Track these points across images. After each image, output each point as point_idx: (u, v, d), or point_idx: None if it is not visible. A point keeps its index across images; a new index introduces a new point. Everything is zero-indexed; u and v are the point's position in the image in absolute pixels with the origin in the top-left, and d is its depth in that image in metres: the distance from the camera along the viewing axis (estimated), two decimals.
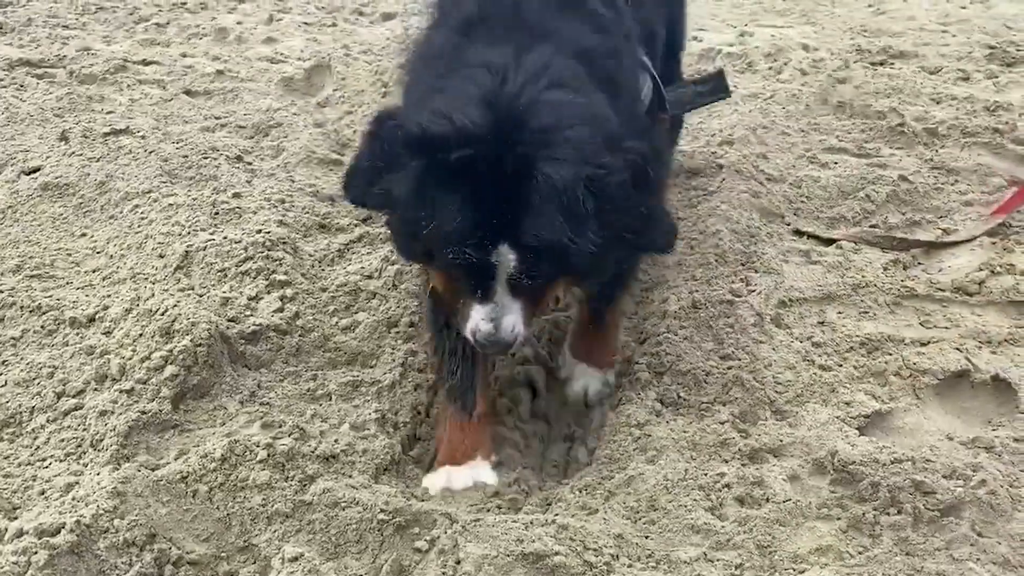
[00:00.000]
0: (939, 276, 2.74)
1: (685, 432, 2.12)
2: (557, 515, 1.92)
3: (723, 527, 1.80)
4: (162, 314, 2.29)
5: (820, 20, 6.01)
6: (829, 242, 2.96)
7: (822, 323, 2.51)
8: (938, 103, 4.25)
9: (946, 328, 2.49)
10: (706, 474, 1.95)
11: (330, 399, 2.33)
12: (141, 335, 2.26)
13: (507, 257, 1.69)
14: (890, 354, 2.35)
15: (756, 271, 2.75)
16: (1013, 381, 2.18)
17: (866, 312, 2.58)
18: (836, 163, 3.60)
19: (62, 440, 2.04)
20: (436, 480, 2.11)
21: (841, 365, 2.33)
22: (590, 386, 2.37)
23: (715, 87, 2.74)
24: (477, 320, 1.81)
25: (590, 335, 2.40)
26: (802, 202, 3.22)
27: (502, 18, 1.93)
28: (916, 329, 2.50)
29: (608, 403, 2.33)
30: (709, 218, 3.07)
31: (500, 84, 1.70)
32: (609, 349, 2.41)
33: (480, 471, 2.12)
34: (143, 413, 2.06)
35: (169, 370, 2.16)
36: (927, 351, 2.33)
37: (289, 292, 2.58)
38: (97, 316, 2.40)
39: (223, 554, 1.83)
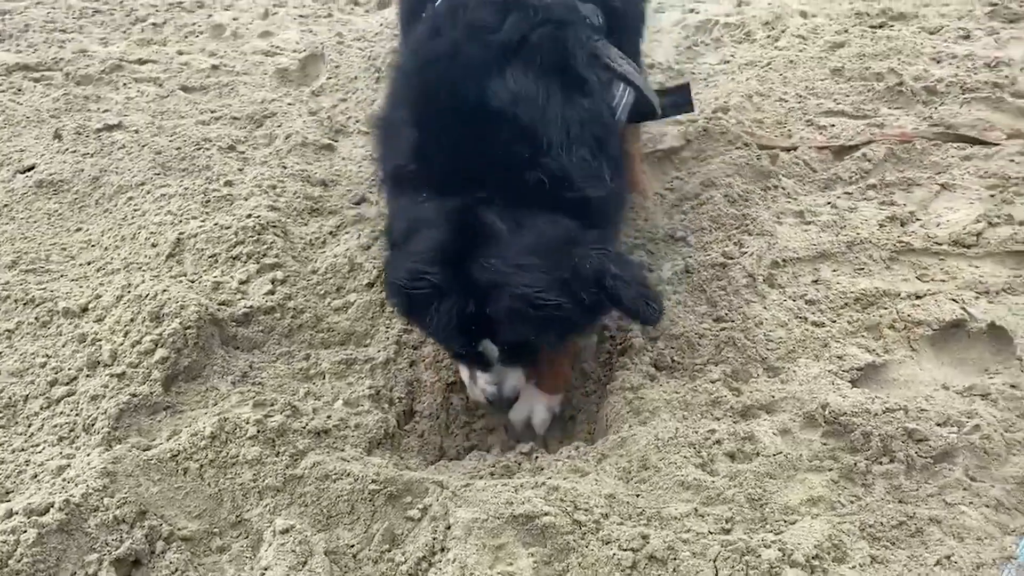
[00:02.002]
0: (936, 230, 2.70)
1: (677, 393, 2.11)
2: (548, 478, 1.91)
3: (714, 482, 1.79)
4: (152, 299, 2.29)
5: None
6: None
7: (816, 281, 2.48)
8: (938, 62, 4.18)
9: (943, 281, 2.45)
10: (697, 432, 1.93)
11: (323, 378, 2.33)
12: (132, 321, 2.27)
13: (491, 348, 1.96)
14: (885, 308, 2.32)
15: (750, 234, 2.73)
16: (1010, 328, 2.15)
17: (861, 268, 2.55)
18: (834, 125, 3.56)
19: (55, 426, 2.05)
20: None
21: (835, 321, 2.30)
22: (535, 412, 2.24)
23: (679, 100, 2.67)
24: (483, 384, 2.11)
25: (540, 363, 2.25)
26: (797, 165, 3.18)
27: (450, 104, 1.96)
28: (912, 283, 2.47)
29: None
30: (703, 184, 3.04)
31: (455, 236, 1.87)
32: (560, 375, 2.28)
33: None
34: (134, 396, 2.07)
35: (160, 353, 2.17)
36: (922, 303, 2.30)
37: (280, 275, 2.59)
38: (90, 305, 2.42)
39: (215, 529, 1.83)
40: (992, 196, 2.88)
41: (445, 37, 2.03)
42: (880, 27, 4.81)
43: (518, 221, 1.86)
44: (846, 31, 4.73)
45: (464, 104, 1.92)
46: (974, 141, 3.28)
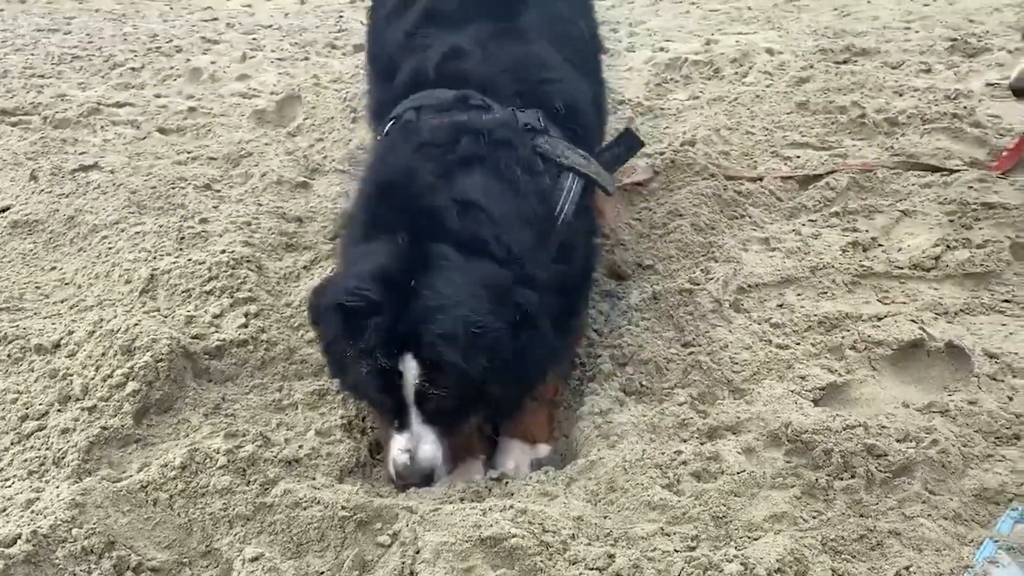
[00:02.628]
0: (897, 255, 2.77)
1: (645, 416, 2.14)
2: (517, 501, 1.93)
3: (679, 502, 1.81)
4: (124, 333, 2.31)
5: (785, 25, 6.11)
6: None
7: (780, 305, 2.53)
8: (900, 95, 4.31)
9: (903, 303, 2.51)
10: (664, 453, 1.96)
11: (296, 408, 2.34)
12: (103, 355, 2.28)
13: (410, 365, 1.88)
14: (847, 330, 2.37)
15: (716, 260, 2.79)
16: (967, 347, 2.20)
17: (824, 292, 2.61)
18: (799, 156, 3.65)
19: (25, 460, 2.05)
20: None
21: (799, 343, 2.35)
22: (520, 466, 2.14)
23: (628, 144, 2.77)
24: (394, 452, 1.99)
25: (523, 412, 2.21)
26: (763, 195, 3.26)
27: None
28: (874, 305, 2.52)
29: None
30: (671, 214, 3.11)
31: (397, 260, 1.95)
32: (538, 423, 2.23)
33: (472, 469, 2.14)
34: (104, 429, 2.08)
35: (131, 386, 2.18)
36: (883, 324, 2.35)
37: (254, 308, 2.61)
38: (62, 341, 2.43)
39: (184, 559, 1.83)
40: (951, 221, 2.96)
41: (402, 156, 2.19)
42: (844, 62, 4.96)
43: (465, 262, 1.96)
44: (811, 67, 4.87)
45: (420, 204, 2.05)
46: (934, 169, 3.37)
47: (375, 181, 2.25)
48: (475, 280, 1.94)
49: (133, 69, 5.71)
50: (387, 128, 2.42)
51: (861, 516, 1.73)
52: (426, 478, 2.02)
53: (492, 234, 2.01)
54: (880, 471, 1.81)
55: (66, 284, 2.87)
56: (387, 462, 2.04)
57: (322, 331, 2.10)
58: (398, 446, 2.00)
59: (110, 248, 2.99)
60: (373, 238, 2.08)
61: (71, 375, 2.27)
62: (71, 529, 1.77)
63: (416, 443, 1.99)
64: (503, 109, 2.29)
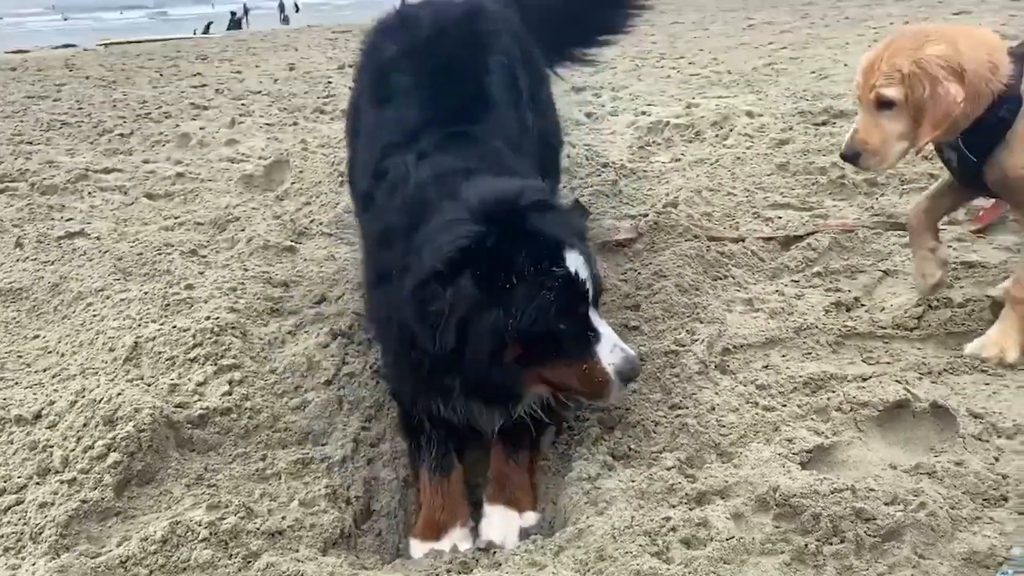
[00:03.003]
0: (880, 315, 2.79)
1: (633, 481, 2.12)
2: (506, 572, 1.90)
3: (669, 570, 1.79)
4: (107, 403, 2.29)
5: (764, 88, 6.24)
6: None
7: (766, 367, 2.54)
8: None
9: (888, 363, 2.52)
10: (653, 520, 1.93)
11: (279, 478, 2.31)
12: (85, 426, 2.25)
13: (579, 261, 2.05)
14: (833, 391, 2.37)
15: (701, 321, 2.80)
16: (952, 407, 2.20)
17: (809, 353, 2.61)
18: (780, 217, 3.70)
19: (1, 536, 2.01)
20: (418, 547, 2.11)
21: (785, 405, 2.34)
22: (507, 536, 2.10)
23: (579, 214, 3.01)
24: (605, 355, 2.06)
25: (508, 479, 2.22)
26: (745, 255, 3.29)
27: None
28: (858, 366, 2.53)
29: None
30: (655, 275, 3.13)
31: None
32: (528, 490, 2.22)
33: (456, 537, 2.12)
34: (84, 502, 2.05)
35: (112, 457, 2.15)
36: (868, 385, 2.36)
37: (238, 375, 2.60)
38: (43, 412, 2.40)
39: None
40: None
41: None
42: (823, 124, 5.06)
43: None
44: (791, 128, 4.96)
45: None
46: None
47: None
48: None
49: (122, 135, 5.77)
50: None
51: None
52: (638, 370, 2.15)
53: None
54: (869, 535, 1.79)
55: (49, 353, 2.85)
56: (597, 380, 2.07)
57: (454, 302, 2.01)
58: (608, 349, 2.06)
59: (94, 315, 2.98)
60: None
61: (51, 446, 2.24)
62: None
63: (614, 337, 2.09)
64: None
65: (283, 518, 2.09)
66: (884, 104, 2.41)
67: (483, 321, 2.00)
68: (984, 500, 1.92)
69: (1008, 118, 2.36)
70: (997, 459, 2.05)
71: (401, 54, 2.86)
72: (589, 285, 2.08)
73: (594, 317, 2.10)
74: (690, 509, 1.99)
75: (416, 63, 2.81)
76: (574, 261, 2.05)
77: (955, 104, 2.31)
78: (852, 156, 2.50)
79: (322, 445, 2.46)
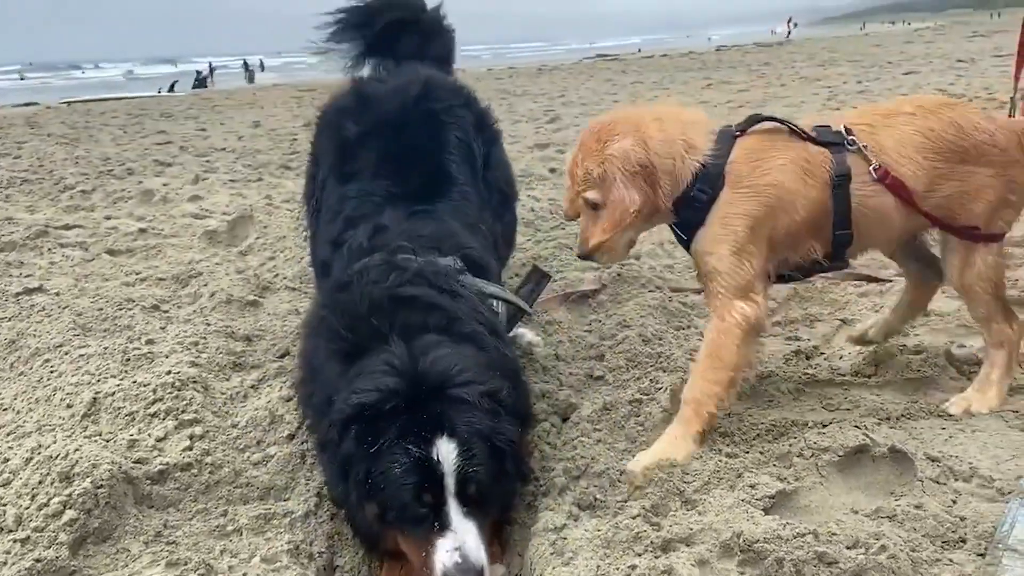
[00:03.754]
0: (839, 362, 2.84)
1: (599, 531, 2.11)
2: None
3: None
4: (63, 459, 2.24)
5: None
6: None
7: (728, 415, 2.56)
8: None
9: (847, 410, 2.56)
10: (618, 569, 1.93)
11: (240, 534, 2.27)
12: (40, 483, 2.20)
13: (447, 447, 2.00)
14: (794, 437, 2.40)
15: (664, 371, 2.82)
16: (909, 452, 2.24)
17: (771, 401, 2.65)
18: None
19: None
20: None
21: (747, 452, 2.36)
22: None
23: (538, 279, 3.08)
24: (442, 555, 1.97)
25: None
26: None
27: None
28: (819, 412, 2.57)
29: None
30: (619, 325, 3.16)
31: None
32: (494, 542, 2.24)
33: None
34: (37, 561, 1.99)
35: (68, 515, 2.10)
36: (828, 431, 2.38)
37: (199, 430, 2.56)
38: None
39: None
40: None
41: (356, 291, 2.43)
42: None
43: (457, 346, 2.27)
44: None
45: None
46: (869, 279, 3.50)
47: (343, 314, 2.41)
48: (472, 357, 2.19)
49: (83, 192, 5.73)
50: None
51: None
52: None
53: (468, 327, 2.33)
54: None
55: (4, 410, 2.79)
56: (428, 572, 1.99)
57: (341, 449, 2.10)
58: (445, 548, 1.97)
59: (52, 371, 2.94)
60: (358, 355, 2.23)
61: (4, 505, 2.18)
62: None
63: (464, 539, 1.98)
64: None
65: (244, 575, 2.05)
66: (594, 205, 2.36)
67: (351, 475, 2.08)
68: (943, 542, 1.95)
69: (702, 196, 2.28)
70: (955, 502, 2.08)
71: (362, 134, 3.01)
72: (449, 477, 2.01)
73: (452, 510, 2.01)
74: (655, 557, 1.98)
75: (378, 142, 2.97)
76: (443, 450, 2.01)
77: (628, 213, 2.26)
78: (586, 256, 2.45)
79: (284, 500, 2.43)
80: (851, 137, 2.32)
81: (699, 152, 2.29)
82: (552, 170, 5.93)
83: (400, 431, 2.02)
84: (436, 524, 2.00)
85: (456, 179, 2.95)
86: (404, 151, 2.94)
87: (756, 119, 2.40)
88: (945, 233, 2.43)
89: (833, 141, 2.32)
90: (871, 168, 2.29)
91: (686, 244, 2.42)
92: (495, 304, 2.67)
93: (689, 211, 2.33)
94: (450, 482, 2.01)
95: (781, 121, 2.37)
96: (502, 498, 2.21)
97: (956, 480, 2.16)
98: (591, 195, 2.32)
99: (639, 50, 29.32)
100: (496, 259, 3.04)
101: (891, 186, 2.30)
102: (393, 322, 2.29)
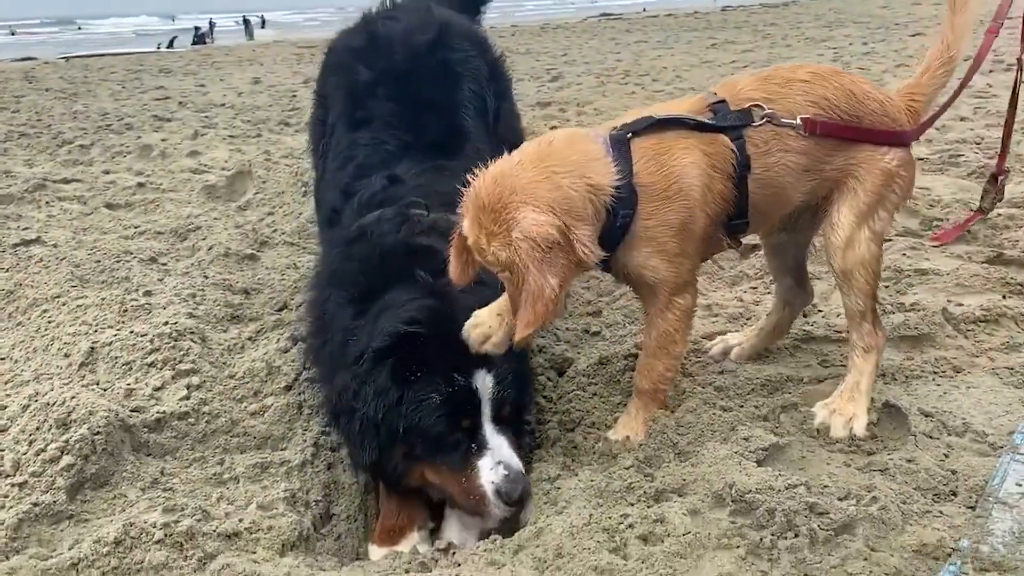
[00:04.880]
0: (836, 320, 2.84)
1: (592, 481, 2.13)
2: (465, 571, 1.89)
3: (626, 565, 1.79)
4: (60, 406, 2.25)
5: None
6: None
7: (722, 372, 2.57)
8: None
9: (843, 366, 2.56)
10: (610, 517, 1.94)
11: (237, 482, 2.29)
12: (38, 429, 2.22)
13: (486, 378, 2.08)
14: (789, 392, 2.41)
15: None
16: (904, 407, 2.25)
17: (767, 357, 2.65)
18: None
19: None
20: (377, 552, 2.13)
21: (742, 406, 2.37)
22: (467, 536, 2.15)
23: None
24: (485, 473, 2.04)
25: None
26: (705, 263, 3.32)
27: None
28: (814, 369, 2.57)
29: None
30: (616, 283, 3.15)
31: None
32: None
33: (415, 540, 2.14)
34: (35, 505, 2.01)
35: (65, 460, 2.12)
36: (823, 387, 2.39)
37: (196, 380, 2.57)
38: None
39: None
40: (886, 287, 3.05)
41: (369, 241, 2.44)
42: None
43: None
44: None
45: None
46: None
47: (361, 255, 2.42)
48: (492, 296, 2.16)
49: (82, 146, 5.70)
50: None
51: (805, 575, 1.73)
52: (525, 491, 2.05)
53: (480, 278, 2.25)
54: (823, 529, 1.81)
55: (1, 359, 2.80)
56: (474, 495, 2.04)
57: (374, 382, 2.10)
58: (488, 466, 2.04)
59: (50, 322, 2.94)
60: (375, 299, 2.23)
61: (2, 451, 2.19)
62: None
63: (502, 453, 2.05)
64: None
65: (240, 520, 2.07)
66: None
67: (383, 409, 2.08)
68: (935, 495, 1.96)
69: (627, 222, 2.09)
70: (947, 456, 2.09)
71: (376, 81, 2.96)
72: (487, 400, 2.09)
73: (487, 431, 2.09)
74: (648, 506, 2.00)
75: (392, 90, 2.93)
76: (482, 378, 2.08)
77: (549, 300, 1.93)
78: (520, 345, 2.14)
79: (281, 449, 2.45)
80: (757, 106, 2.19)
81: (606, 188, 2.05)
82: (554, 127, 5.88)
83: (439, 359, 2.07)
84: (473, 446, 2.08)
85: (470, 134, 2.92)
86: (418, 101, 2.90)
87: (647, 121, 2.17)
88: (830, 212, 2.30)
89: (732, 124, 2.19)
90: (797, 121, 2.17)
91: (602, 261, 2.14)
92: None
93: (609, 237, 2.11)
94: (487, 409, 2.10)
95: (673, 120, 2.20)
96: (525, 423, 2.31)
97: (949, 435, 2.17)
98: (506, 276, 2.03)
99: (644, 9, 28.89)
100: None
101: (826, 128, 2.18)
102: (411, 267, 2.29)
